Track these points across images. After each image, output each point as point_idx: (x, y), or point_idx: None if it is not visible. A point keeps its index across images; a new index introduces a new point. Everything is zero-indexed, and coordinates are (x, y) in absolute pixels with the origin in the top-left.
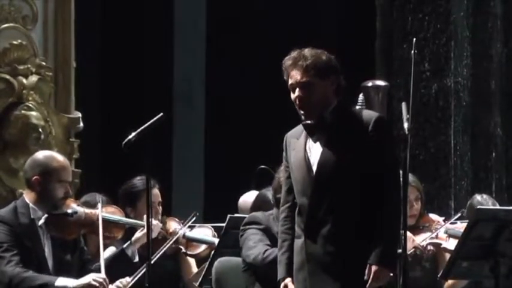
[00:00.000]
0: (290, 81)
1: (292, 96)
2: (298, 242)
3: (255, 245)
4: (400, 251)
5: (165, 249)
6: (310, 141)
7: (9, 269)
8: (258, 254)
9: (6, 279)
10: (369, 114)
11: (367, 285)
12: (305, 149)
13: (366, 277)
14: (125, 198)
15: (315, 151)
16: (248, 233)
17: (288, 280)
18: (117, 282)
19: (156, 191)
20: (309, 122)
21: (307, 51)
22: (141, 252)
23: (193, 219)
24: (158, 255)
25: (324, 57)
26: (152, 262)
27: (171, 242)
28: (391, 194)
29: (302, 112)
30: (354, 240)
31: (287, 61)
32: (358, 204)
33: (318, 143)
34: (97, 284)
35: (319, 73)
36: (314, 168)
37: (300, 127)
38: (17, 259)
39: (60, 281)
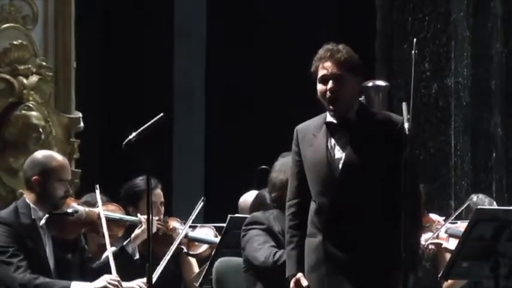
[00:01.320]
0: (323, 72)
1: (322, 88)
2: (314, 241)
3: (261, 247)
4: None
5: (171, 253)
6: (331, 140)
7: (19, 276)
8: (268, 256)
9: (16, 287)
10: (396, 117)
11: None
12: (327, 148)
13: (389, 281)
14: (127, 198)
15: (339, 151)
16: (251, 233)
17: (300, 275)
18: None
19: (159, 191)
20: (332, 120)
21: (341, 47)
22: (143, 251)
23: (201, 204)
24: (165, 260)
25: (356, 56)
26: (162, 267)
27: (176, 244)
28: (411, 199)
29: (331, 105)
30: (375, 242)
31: (323, 52)
32: (381, 206)
33: (341, 143)
34: (112, 287)
35: (352, 69)
36: (338, 168)
37: (314, 121)
38: (25, 264)
39: (75, 285)
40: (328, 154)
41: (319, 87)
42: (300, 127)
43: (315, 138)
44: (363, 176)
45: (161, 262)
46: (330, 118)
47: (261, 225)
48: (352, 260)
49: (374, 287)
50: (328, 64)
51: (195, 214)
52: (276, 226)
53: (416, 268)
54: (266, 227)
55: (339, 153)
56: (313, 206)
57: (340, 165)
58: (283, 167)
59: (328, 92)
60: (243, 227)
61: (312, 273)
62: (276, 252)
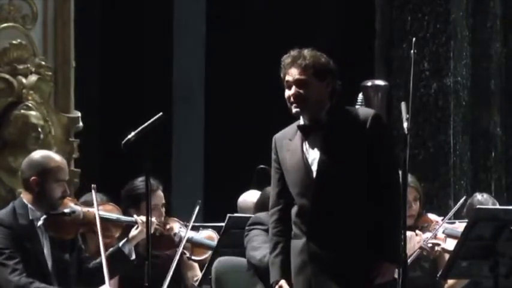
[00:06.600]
0: (287, 78)
1: (287, 93)
2: (298, 243)
3: (260, 246)
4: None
5: (176, 260)
6: (306, 143)
7: (14, 278)
8: (264, 256)
9: None
10: (366, 112)
11: (375, 281)
12: (302, 151)
13: (373, 273)
14: (128, 200)
15: (313, 152)
16: (252, 233)
17: (283, 282)
18: None
19: (160, 193)
20: (304, 123)
21: (306, 52)
22: (142, 252)
23: (198, 207)
24: (171, 270)
25: (323, 59)
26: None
27: (179, 252)
28: (391, 192)
29: (295, 109)
30: (357, 239)
31: (286, 59)
32: (360, 203)
33: (315, 144)
34: None
35: (316, 73)
36: (314, 169)
37: (290, 128)
38: (21, 267)
39: None
40: (304, 156)
41: (285, 93)
42: (277, 135)
43: (291, 142)
44: (339, 175)
45: (168, 273)
46: (302, 121)
47: (263, 225)
48: (336, 259)
49: (359, 284)
50: (291, 70)
51: (194, 217)
52: None
53: (400, 260)
54: (267, 228)
55: (314, 155)
56: (295, 208)
57: (316, 166)
58: None
59: (291, 97)
60: (246, 227)
61: (298, 275)
62: None
